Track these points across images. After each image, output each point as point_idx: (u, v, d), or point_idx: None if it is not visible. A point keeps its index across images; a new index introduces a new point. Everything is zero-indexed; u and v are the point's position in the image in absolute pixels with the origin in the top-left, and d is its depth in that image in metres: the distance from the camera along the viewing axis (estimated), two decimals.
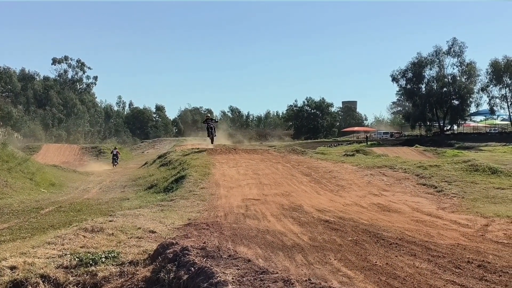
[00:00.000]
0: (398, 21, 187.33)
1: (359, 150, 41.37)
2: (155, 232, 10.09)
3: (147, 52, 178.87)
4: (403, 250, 9.17)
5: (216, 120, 38.26)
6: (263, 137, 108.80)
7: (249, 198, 15.97)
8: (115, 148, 49.34)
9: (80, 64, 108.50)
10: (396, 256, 8.71)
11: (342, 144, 72.89)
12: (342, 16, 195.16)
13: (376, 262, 8.33)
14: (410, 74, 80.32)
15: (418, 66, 79.47)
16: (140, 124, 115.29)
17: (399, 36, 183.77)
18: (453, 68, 79.54)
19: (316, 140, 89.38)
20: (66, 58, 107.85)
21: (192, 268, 5.60)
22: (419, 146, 54.26)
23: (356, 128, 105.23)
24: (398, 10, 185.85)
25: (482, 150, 54.46)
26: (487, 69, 77.34)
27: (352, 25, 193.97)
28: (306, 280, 4.97)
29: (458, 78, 78.63)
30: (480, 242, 10.13)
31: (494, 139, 69.24)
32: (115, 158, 46.18)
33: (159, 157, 37.62)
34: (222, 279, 4.94)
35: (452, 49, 77.53)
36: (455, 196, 16.34)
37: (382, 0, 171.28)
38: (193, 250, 6.18)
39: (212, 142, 35.44)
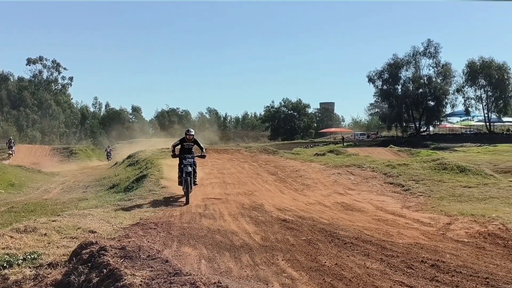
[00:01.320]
0: (377, 22, 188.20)
1: (333, 150, 40.99)
2: (95, 232, 9.49)
3: (124, 53, 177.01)
4: (357, 250, 8.72)
5: (204, 149, 16.45)
6: (240, 138, 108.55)
7: (210, 198, 15.46)
8: (109, 146, 60.29)
9: (55, 65, 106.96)
10: (348, 256, 8.25)
11: (318, 145, 72.71)
12: (320, 17, 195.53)
13: (325, 262, 7.86)
14: (386, 75, 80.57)
15: (394, 67, 79.74)
16: (116, 125, 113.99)
17: (378, 38, 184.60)
18: (429, 69, 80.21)
19: (293, 141, 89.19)
20: (41, 58, 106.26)
21: (105, 270, 5.04)
22: (393, 146, 54.17)
23: (333, 129, 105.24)
24: (376, 11, 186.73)
25: (456, 150, 54.65)
26: (463, 70, 77.98)
27: (331, 26, 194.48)
28: (214, 283, 4.45)
29: (433, 79, 79.12)
30: (439, 241, 9.71)
31: (470, 140, 69.72)
32: (108, 155, 54.60)
33: (128, 157, 36.84)
34: (128, 282, 4.41)
35: (427, 50, 78.06)
36: (421, 195, 16.00)
37: (360, 2, 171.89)
38: (111, 250, 5.60)
39: (187, 196, 14.92)
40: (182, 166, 15.39)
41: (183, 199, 15.09)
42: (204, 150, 16.13)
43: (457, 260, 7.99)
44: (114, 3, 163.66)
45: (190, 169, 15.27)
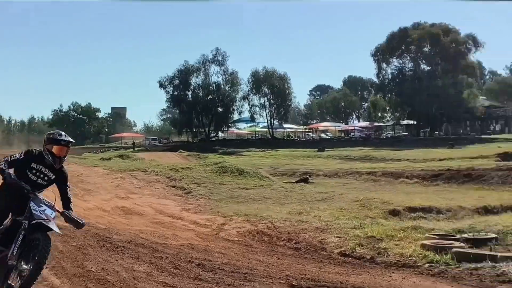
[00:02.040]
0: (169, 29, 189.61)
1: (122, 155, 40.31)
2: None
3: None
4: (127, 253, 8.64)
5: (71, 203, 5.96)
6: (25, 144, 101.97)
7: None
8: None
9: None
10: (116, 260, 8.12)
11: (109, 150, 70.84)
12: (105, 23, 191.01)
13: (92, 267, 7.64)
14: (177, 81, 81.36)
15: (185, 74, 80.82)
16: None
17: (171, 44, 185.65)
18: (218, 77, 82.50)
19: (83, 146, 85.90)
20: None
21: None
22: (183, 151, 54.83)
23: (124, 134, 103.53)
24: (168, 16, 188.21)
25: (243, 155, 57.09)
26: (248, 79, 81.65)
27: (121, 32, 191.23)
28: None
29: (222, 86, 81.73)
30: (211, 241, 10.03)
31: (255, 145, 73.16)
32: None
33: None
34: None
35: (216, 58, 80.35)
36: (202, 197, 16.44)
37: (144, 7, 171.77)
38: None
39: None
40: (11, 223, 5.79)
41: None
42: (71, 204, 6.20)
43: (224, 258, 8.30)
44: None
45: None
